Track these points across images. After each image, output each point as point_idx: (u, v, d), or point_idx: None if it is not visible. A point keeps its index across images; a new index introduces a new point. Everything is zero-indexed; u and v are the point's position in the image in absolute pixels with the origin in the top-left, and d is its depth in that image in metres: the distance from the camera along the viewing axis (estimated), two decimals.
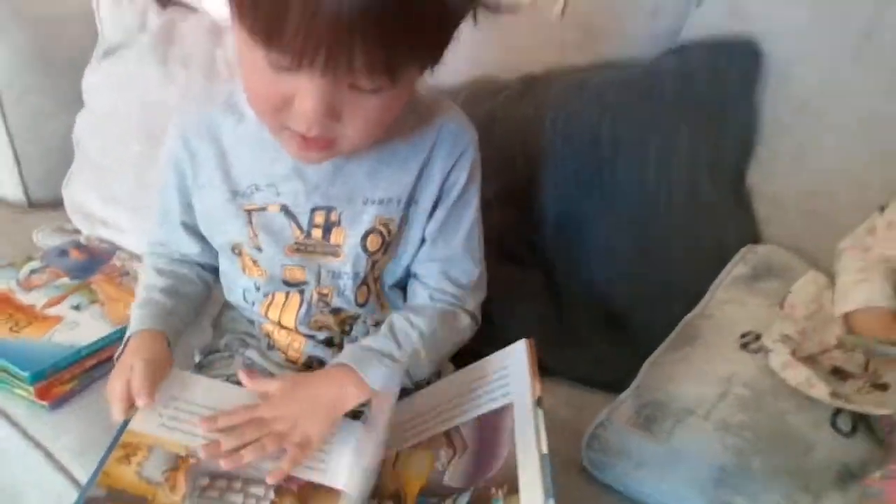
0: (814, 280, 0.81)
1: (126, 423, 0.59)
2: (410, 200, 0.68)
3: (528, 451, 0.52)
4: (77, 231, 1.02)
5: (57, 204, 1.10)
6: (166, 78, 1.02)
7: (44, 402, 0.72)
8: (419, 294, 0.73)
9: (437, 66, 0.56)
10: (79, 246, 0.96)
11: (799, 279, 0.81)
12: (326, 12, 0.44)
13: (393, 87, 0.52)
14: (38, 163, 1.11)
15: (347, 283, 0.68)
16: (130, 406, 0.61)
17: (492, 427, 0.57)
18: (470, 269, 0.73)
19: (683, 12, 1.01)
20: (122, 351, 0.65)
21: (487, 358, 0.64)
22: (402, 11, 0.46)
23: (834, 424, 0.67)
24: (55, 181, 1.10)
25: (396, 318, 0.69)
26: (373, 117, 0.54)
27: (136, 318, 0.68)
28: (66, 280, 0.87)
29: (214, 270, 0.76)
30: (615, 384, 0.77)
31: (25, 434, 0.72)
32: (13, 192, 1.11)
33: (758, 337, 0.75)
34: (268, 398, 0.62)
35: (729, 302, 0.81)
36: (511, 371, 0.60)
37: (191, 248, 0.73)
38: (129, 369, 0.61)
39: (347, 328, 0.72)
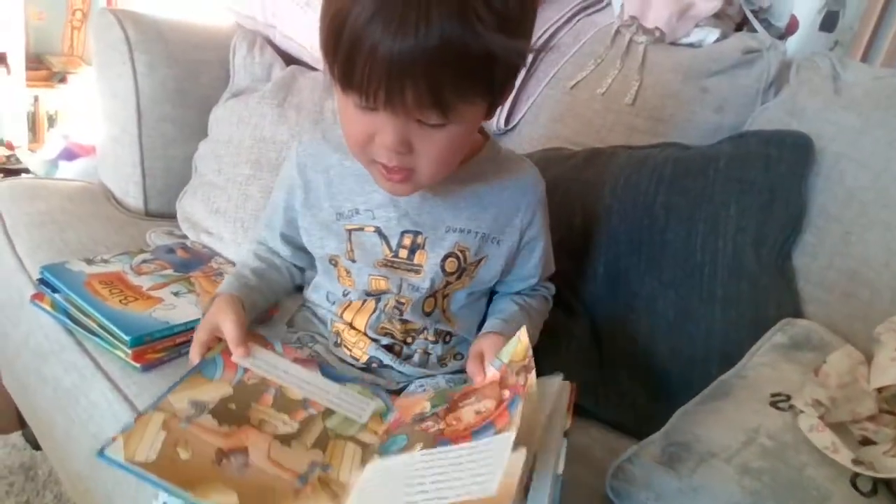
0: (849, 354, 0.84)
1: (198, 366, 0.71)
2: (488, 236, 0.77)
3: (546, 470, 0.57)
4: (184, 236, 1.16)
5: (168, 216, 1.25)
6: (280, 118, 1.18)
7: (136, 364, 0.82)
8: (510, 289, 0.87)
9: (497, 106, 0.67)
10: (185, 247, 1.09)
11: (835, 352, 0.84)
12: (382, 57, 0.55)
13: (450, 123, 0.61)
14: (161, 179, 1.27)
15: (423, 297, 0.77)
16: (206, 351, 0.74)
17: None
18: (550, 269, 0.88)
19: (747, 110, 1.11)
20: (209, 306, 0.78)
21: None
22: (444, 57, 0.55)
23: (854, 484, 0.70)
24: (171, 196, 1.26)
25: (515, 297, 0.85)
26: (441, 149, 0.64)
27: (226, 283, 0.81)
28: (170, 271, 0.99)
29: (301, 269, 0.88)
30: (648, 433, 0.81)
31: (117, 388, 0.82)
32: (135, 201, 1.27)
33: (788, 397, 0.79)
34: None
35: (764, 365, 0.85)
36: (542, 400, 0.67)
37: (284, 252, 0.87)
38: (213, 325, 0.74)
39: (409, 339, 0.81)
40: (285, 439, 0.66)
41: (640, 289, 0.95)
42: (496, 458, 0.54)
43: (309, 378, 0.75)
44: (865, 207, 0.91)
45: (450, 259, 0.76)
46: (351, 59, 0.56)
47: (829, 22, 1.34)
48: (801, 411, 0.75)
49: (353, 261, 0.78)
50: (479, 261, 0.78)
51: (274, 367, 0.75)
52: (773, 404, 0.78)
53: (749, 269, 0.91)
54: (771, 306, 0.90)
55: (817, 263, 0.93)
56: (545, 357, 0.95)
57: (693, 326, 0.91)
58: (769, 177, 0.93)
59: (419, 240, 0.76)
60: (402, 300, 0.78)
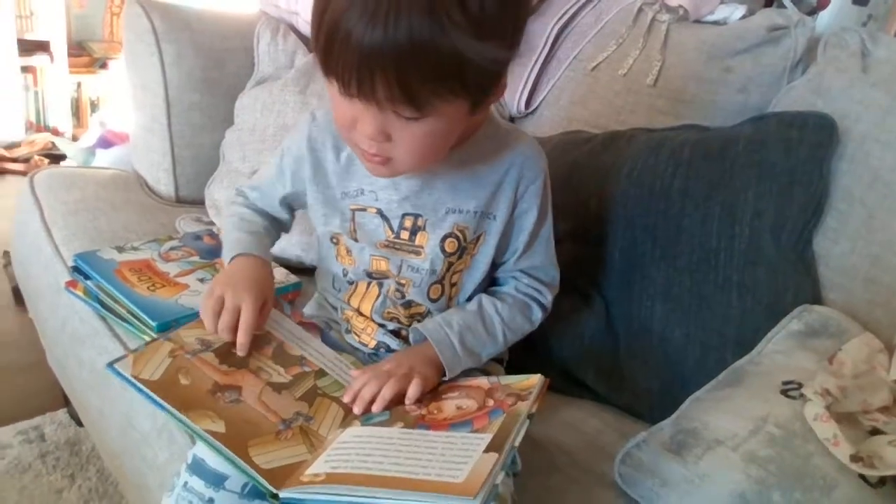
0: (868, 342, 0.83)
1: None
2: (486, 213, 0.78)
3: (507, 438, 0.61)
4: (211, 223, 1.20)
5: (198, 202, 1.30)
6: (302, 105, 1.20)
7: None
8: (507, 282, 0.85)
9: (481, 104, 0.66)
10: (211, 234, 1.12)
11: (853, 340, 0.83)
12: (354, 46, 0.56)
13: (425, 118, 0.61)
14: (190, 167, 1.32)
15: (424, 278, 0.79)
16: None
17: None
18: (550, 271, 0.85)
19: (773, 89, 1.08)
20: (231, 262, 0.79)
21: (510, 378, 0.75)
22: (412, 52, 0.56)
23: (861, 474, 0.69)
24: (200, 183, 1.30)
25: (486, 302, 0.81)
26: (418, 142, 0.65)
27: (250, 242, 0.81)
28: (196, 258, 1.03)
29: (286, 228, 0.91)
30: (661, 419, 0.81)
31: None
32: (166, 188, 1.32)
33: (800, 385, 0.78)
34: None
35: (778, 353, 0.84)
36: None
37: (281, 216, 0.88)
38: (255, 299, 0.73)
39: (415, 322, 0.83)
40: (277, 387, 0.70)
41: (655, 274, 0.94)
42: (469, 453, 0.57)
43: (309, 340, 0.80)
44: (890, 189, 0.88)
45: (449, 240, 0.77)
46: (329, 45, 0.58)
47: None
48: (809, 399, 0.74)
49: (356, 240, 0.79)
50: (478, 238, 0.79)
51: (279, 324, 0.80)
52: (784, 392, 0.78)
53: (766, 255, 0.90)
54: (788, 292, 0.89)
55: (839, 248, 0.91)
56: (558, 343, 0.97)
57: (708, 312, 0.91)
58: (789, 160, 0.91)
59: (420, 222, 0.77)
60: (403, 282, 0.79)
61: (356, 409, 0.70)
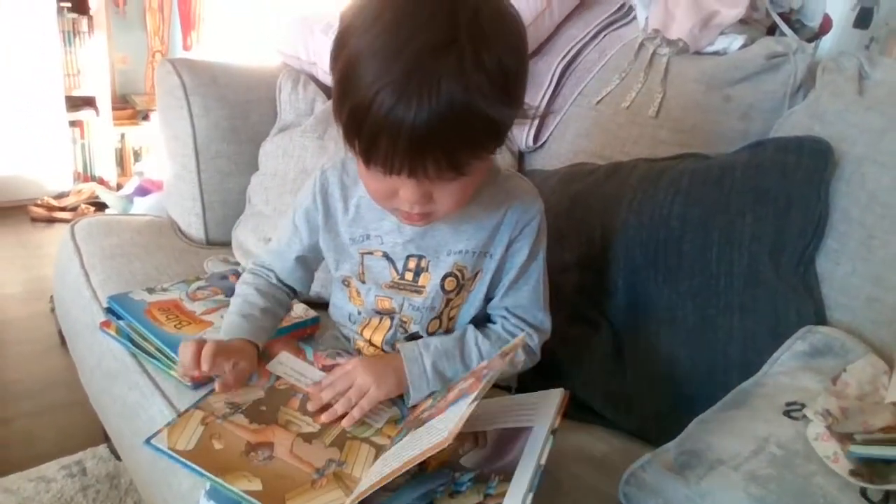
0: (872, 363, 0.83)
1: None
2: (484, 252, 0.83)
3: (531, 460, 0.63)
4: (237, 263, 1.27)
5: (227, 244, 1.37)
6: (320, 150, 1.27)
7: (188, 383, 0.92)
8: (496, 320, 0.88)
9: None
10: (237, 274, 1.18)
11: (857, 361, 0.84)
12: (405, 135, 0.60)
13: (465, 176, 0.67)
14: (219, 211, 1.39)
15: (423, 315, 0.84)
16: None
17: (510, 437, 0.70)
18: (537, 314, 0.87)
19: (775, 115, 1.10)
20: (227, 343, 0.82)
21: (529, 394, 0.78)
22: (454, 121, 0.61)
23: (864, 493, 0.69)
24: (228, 226, 1.37)
25: (470, 333, 0.85)
26: (458, 195, 0.71)
27: (239, 326, 0.85)
28: (222, 297, 1.09)
29: (295, 294, 0.95)
30: (668, 441, 0.83)
31: (172, 405, 0.91)
32: (197, 232, 1.39)
33: (803, 406, 0.79)
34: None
35: (782, 374, 0.85)
36: (540, 406, 0.73)
37: (293, 277, 0.92)
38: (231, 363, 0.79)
39: None
40: (307, 437, 0.74)
41: (658, 300, 0.96)
42: (456, 415, 0.61)
43: None
44: (887, 209, 0.89)
45: (449, 278, 0.82)
46: (375, 143, 0.62)
47: (863, 18, 1.31)
48: (811, 420, 0.75)
49: (364, 282, 0.85)
50: (476, 275, 0.83)
51: (302, 374, 0.83)
52: (787, 413, 0.79)
53: (766, 278, 0.91)
54: (791, 314, 0.90)
55: (841, 269, 0.92)
56: (567, 370, 0.99)
57: (712, 336, 0.92)
58: (786, 184, 0.93)
59: (423, 263, 0.82)
60: (405, 319, 0.85)
61: (323, 419, 0.77)
